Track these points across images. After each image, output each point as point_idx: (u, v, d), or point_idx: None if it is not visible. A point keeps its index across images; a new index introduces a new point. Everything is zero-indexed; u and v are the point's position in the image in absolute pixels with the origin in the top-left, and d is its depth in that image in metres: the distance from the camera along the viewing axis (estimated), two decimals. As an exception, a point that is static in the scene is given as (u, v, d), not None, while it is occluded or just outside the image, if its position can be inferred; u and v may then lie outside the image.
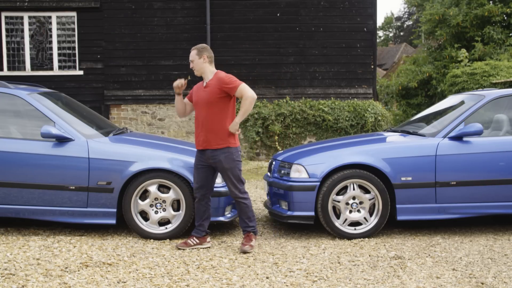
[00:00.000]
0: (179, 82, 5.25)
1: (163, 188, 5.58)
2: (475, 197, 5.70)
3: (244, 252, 5.09)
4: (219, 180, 5.63)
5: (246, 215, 5.23)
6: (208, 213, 5.35)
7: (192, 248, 5.22)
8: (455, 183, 5.64)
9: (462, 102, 6.41)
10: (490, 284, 4.21)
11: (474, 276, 4.40)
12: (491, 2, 19.12)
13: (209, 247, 5.30)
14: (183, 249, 5.18)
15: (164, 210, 5.57)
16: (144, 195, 5.58)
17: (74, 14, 12.95)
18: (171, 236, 5.54)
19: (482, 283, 4.23)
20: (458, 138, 5.74)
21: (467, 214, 5.73)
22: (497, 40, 17.62)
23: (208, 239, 5.38)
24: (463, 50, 15.63)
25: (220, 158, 5.12)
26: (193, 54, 5.22)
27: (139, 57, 12.97)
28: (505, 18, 18.58)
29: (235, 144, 5.18)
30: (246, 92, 5.12)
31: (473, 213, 5.73)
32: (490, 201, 5.72)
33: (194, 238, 5.29)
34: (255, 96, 5.16)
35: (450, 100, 6.97)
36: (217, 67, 13.15)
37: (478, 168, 5.71)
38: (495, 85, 12.56)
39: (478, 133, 5.66)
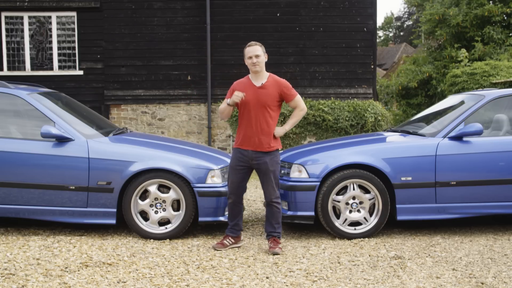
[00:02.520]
0: (241, 96, 4.99)
1: (163, 188, 5.58)
2: (475, 197, 5.70)
3: (276, 254, 5.05)
4: (219, 180, 5.63)
5: (277, 220, 5.21)
6: (242, 212, 5.36)
7: (228, 248, 5.22)
8: (455, 183, 5.64)
9: (462, 102, 6.41)
10: (490, 284, 4.21)
11: (474, 276, 4.40)
12: (491, 2, 19.11)
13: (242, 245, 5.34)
14: (220, 250, 5.17)
15: (164, 210, 5.57)
16: (144, 195, 5.59)
17: (74, 14, 12.94)
18: (171, 236, 5.54)
19: (482, 283, 4.23)
20: (458, 138, 5.74)
21: (467, 214, 5.73)
22: (497, 40, 17.60)
23: (242, 237, 5.41)
24: (463, 50, 15.61)
25: (266, 159, 5.08)
26: (260, 49, 5.08)
27: (139, 57, 12.97)
28: (505, 18, 18.56)
29: (280, 146, 5.21)
30: (302, 104, 5.22)
31: (473, 213, 5.74)
32: (490, 201, 5.72)
33: (230, 238, 5.28)
34: (306, 109, 5.24)
35: (450, 100, 6.97)
36: (217, 67, 13.13)
37: (478, 168, 5.71)
38: (495, 85, 12.55)
39: (478, 133, 5.66)
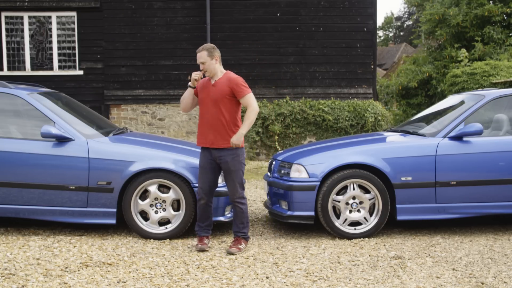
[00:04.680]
0: (199, 75, 5.15)
1: (163, 188, 5.58)
2: (475, 197, 5.70)
3: (230, 254, 5.06)
4: (219, 180, 5.62)
5: (240, 220, 5.21)
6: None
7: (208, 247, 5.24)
8: (455, 183, 5.64)
9: (462, 102, 6.41)
10: (490, 284, 4.21)
11: (474, 276, 4.40)
12: (491, 2, 19.11)
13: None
14: (205, 251, 5.15)
15: (164, 210, 5.57)
16: (144, 195, 5.58)
17: (74, 14, 12.95)
18: (171, 236, 5.54)
19: (482, 283, 4.23)
20: (458, 138, 5.74)
21: (467, 214, 5.73)
22: (497, 40, 17.61)
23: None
24: (463, 50, 15.62)
25: (228, 159, 5.09)
26: (203, 55, 5.10)
27: (139, 57, 12.97)
28: (505, 18, 18.56)
29: (242, 145, 5.15)
30: (253, 103, 5.12)
31: (473, 213, 5.73)
32: (490, 201, 5.72)
33: (207, 238, 5.28)
34: (258, 109, 5.17)
35: (450, 100, 6.97)
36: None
37: (478, 168, 5.71)
38: (495, 85, 12.56)
39: (478, 133, 5.66)
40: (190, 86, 5.24)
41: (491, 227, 6.10)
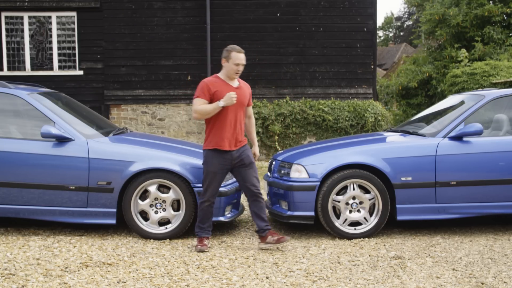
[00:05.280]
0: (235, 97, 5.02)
1: (163, 188, 5.58)
2: (475, 197, 5.70)
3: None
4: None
5: (264, 213, 5.27)
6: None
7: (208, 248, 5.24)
8: (455, 183, 5.64)
9: (462, 102, 6.41)
10: (490, 284, 4.21)
11: (474, 276, 4.40)
12: (491, 2, 19.11)
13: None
14: (205, 252, 5.14)
15: (164, 210, 5.57)
16: (144, 195, 5.58)
17: (74, 14, 12.95)
18: (171, 236, 5.54)
19: (482, 283, 4.23)
20: (458, 138, 5.74)
21: (467, 214, 5.73)
22: (497, 40, 17.61)
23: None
24: (463, 50, 15.62)
25: (248, 152, 5.21)
26: (244, 57, 5.16)
27: (139, 57, 12.97)
28: (505, 18, 18.56)
29: None
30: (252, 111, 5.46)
31: (473, 213, 5.73)
32: (490, 201, 5.72)
33: (207, 239, 5.25)
34: None
35: (450, 100, 6.97)
36: (217, 67, 13.25)
37: (478, 168, 5.71)
38: (495, 85, 12.56)
39: (478, 133, 5.66)
40: (222, 106, 4.99)
41: (491, 227, 6.10)
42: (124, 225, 5.84)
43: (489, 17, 17.97)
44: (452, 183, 5.64)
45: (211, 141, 5.09)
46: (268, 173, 6.33)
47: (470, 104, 6.09)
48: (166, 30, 12.98)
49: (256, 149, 5.46)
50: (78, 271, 4.49)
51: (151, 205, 5.56)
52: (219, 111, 5.03)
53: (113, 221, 5.59)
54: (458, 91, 13.11)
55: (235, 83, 5.18)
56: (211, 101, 5.04)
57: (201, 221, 5.24)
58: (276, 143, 12.54)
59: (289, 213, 5.67)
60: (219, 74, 5.21)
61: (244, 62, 5.09)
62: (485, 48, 17.34)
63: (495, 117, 6.11)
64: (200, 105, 5.02)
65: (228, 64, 5.10)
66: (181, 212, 5.56)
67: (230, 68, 5.09)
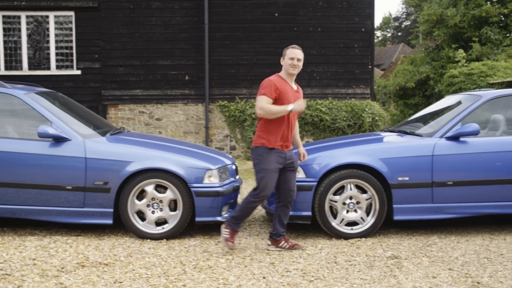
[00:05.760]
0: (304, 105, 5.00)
1: (160, 188, 5.58)
2: (471, 197, 5.70)
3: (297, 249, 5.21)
4: (216, 180, 5.63)
5: (287, 219, 5.27)
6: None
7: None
8: (452, 183, 5.65)
9: (459, 102, 6.41)
10: (486, 284, 4.22)
11: (470, 276, 4.41)
12: (488, 2, 19.13)
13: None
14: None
15: (161, 210, 5.57)
16: (141, 195, 5.58)
17: (72, 13, 12.95)
18: (168, 236, 5.54)
19: (478, 283, 4.24)
20: (455, 138, 5.74)
21: (464, 214, 5.73)
22: (494, 41, 17.64)
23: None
24: (461, 51, 15.64)
25: (295, 157, 5.22)
26: (302, 54, 5.10)
27: (137, 57, 12.97)
28: (503, 18, 18.60)
29: None
30: None
31: (470, 213, 5.74)
32: (486, 201, 5.73)
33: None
34: None
35: (447, 100, 6.98)
36: (215, 67, 13.06)
37: (474, 168, 5.71)
38: (492, 86, 12.57)
39: (475, 133, 5.66)
40: (290, 110, 4.90)
41: (488, 227, 6.11)
42: (121, 225, 5.84)
43: (486, 18, 18.00)
44: (449, 183, 5.64)
45: (269, 140, 4.98)
46: (265, 173, 6.31)
47: (467, 104, 6.10)
48: (164, 30, 12.98)
49: (303, 149, 5.41)
50: (75, 271, 4.49)
51: (148, 205, 5.56)
52: (283, 116, 4.99)
53: (110, 221, 5.58)
54: (455, 92, 13.13)
55: (294, 86, 5.15)
56: (275, 100, 4.95)
57: (240, 217, 5.13)
58: (274, 143, 12.53)
59: (286, 213, 5.66)
60: (280, 74, 5.13)
61: (299, 56, 5.04)
62: (482, 48, 17.37)
63: (492, 117, 6.12)
64: (266, 103, 4.91)
65: (284, 61, 5.07)
66: (178, 212, 5.56)
67: (286, 63, 5.05)
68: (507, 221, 6.33)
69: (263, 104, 4.90)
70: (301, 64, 5.07)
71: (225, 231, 5.13)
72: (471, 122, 5.74)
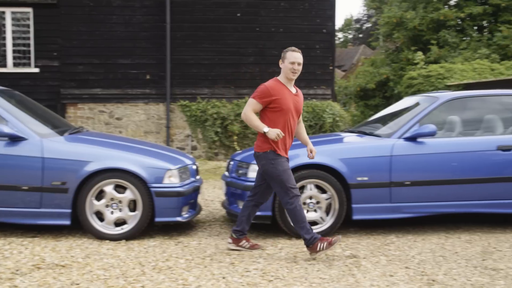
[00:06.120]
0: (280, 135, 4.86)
1: (119, 188, 5.51)
2: (428, 197, 5.81)
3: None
4: (176, 180, 5.59)
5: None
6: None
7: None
8: (409, 183, 5.74)
9: (417, 104, 6.53)
10: (441, 281, 4.31)
11: (426, 274, 4.50)
12: (446, 6, 19.55)
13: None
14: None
15: (120, 210, 5.50)
16: (100, 195, 5.50)
17: (29, 10, 12.67)
18: (127, 236, 5.48)
19: (433, 280, 4.33)
20: (413, 139, 5.84)
21: (421, 213, 5.84)
22: (451, 44, 18.04)
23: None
24: (419, 53, 15.94)
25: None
26: (302, 56, 5.02)
27: (97, 55, 12.79)
28: (459, 22, 19.03)
29: None
30: None
31: (427, 212, 5.85)
32: (443, 200, 5.84)
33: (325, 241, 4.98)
34: None
35: (406, 102, 7.10)
36: (176, 66, 12.99)
37: (431, 168, 5.82)
38: (449, 88, 12.85)
39: (431, 134, 5.77)
40: (265, 132, 4.83)
41: (443, 225, 6.24)
42: (79, 226, 5.74)
43: (444, 21, 18.40)
44: (407, 183, 5.74)
45: (273, 146, 4.89)
46: (226, 173, 6.32)
47: (424, 105, 6.22)
48: (125, 28, 12.83)
49: (312, 146, 5.27)
50: (30, 273, 4.39)
51: (107, 206, 5.49)
52: (282, 118, 4.90)
53: (68, 222, 5.49)
54: (414, 93, 13.37)
55: (293, 89, 5.06)
56: (267, 105, 4.89)
57: (302, 220, 4.88)
58: (235, 143, 12.55)
59: (246, 213, 5.66)
60: (279, 78, 5.02)
61: (300, 60, 4.97)
62: (440, 51, 17.74)
63: (448, 118, 6.25)
64: (253, 109, 4.90)
65: (284, 65, 4.97)
66: (138, 213, 5.50)
67: (286, 67, 4.95)
68: (462, 220, 6.48)
69: (249, 111, 4.91)
70: (301, 68, 4.97)
71: (320, 246, 4.85)
72: (429, 123, 5.85)
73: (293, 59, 4.93)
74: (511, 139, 5.97)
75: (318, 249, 4.85)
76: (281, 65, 5.02)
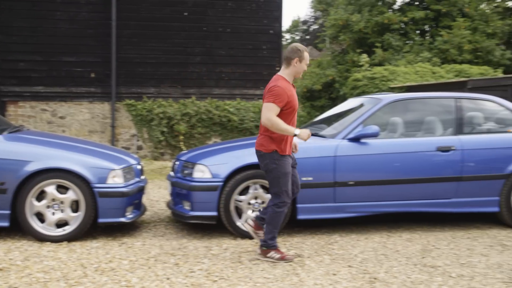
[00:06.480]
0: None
1: (61, 188, 5.38)
2: (371, 197, 5.92)
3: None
4: (120, 180, 5.51)
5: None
6: None
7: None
8: (353, 183, 5.84)
9: (361, 105, 6.65)
10: (382, 279, 4.41)
11: (368, 272, 4.59)
12: (390, 10, 19.99)
13: None
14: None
15: (62, 211, 5.38)
16: (41, 195, 5.36)
17: (-33, 4, 12.22)
18: (69, 238, 5.36)
19: (375, 278, 4.42)
20: (356, 139, 5.94)
21: (364, 212, 5.95)
22: (395, 47, 18.45)
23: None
24: (364, 55, 16.23)
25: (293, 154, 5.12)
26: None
27: (39, 52, 12.44)
28: (403, 26, 19.49)
29: None
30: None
31: (370, 211, 5.96)
32: (385, 200, 5.96)
33: (280, 253, 4.99)
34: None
35: (350, 103, 7.22)
36: (122, 65, 12.81)
37: (374, 168, 5.94)
38: (392, 90, 13.14)
39: (374, 135, 5.88)
40: (296, 135, 4.77)
41: (386, 225, 6.38)
42: (18, 228, 5.57)
43: (388, 25, 18.79)
44: (350, 183, 5.83)
45: (279, 146, 4.81)
46: (172, 173, 6.27)
47: (368, 107, 6.33)
48: (69, 25, 12.53)
49: (296, 141, 5.22)
50: (-34, 276, 4.24)
51: (48, 206, 5.35)
52: (290, 117, 4.82)
53: (6, 224, 5.31)
54: (358, 95, 13.61)
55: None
56: (283, 107, 4.76)
57: (275, 227, 4.90)
58: (181, 143, 12.47)
59: (191, 213, 5.65)
60: (285, 76, 4.88)
61: (308, 61, 4.92)
62: (384, 54, 18.11)
63: (391, 120, 6.39)
64: (276, 112, 4.71)
65: (301, 65, 4.87)
66: (81, 213, 5.39)
67: (302, 68, 4.88)
68: (403, 219, 6.64)
69: (273, 116, 4.70)
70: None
71: (272, 255, 4.88)
72: (372, 124, 5.97)
73: (308, 60, 4.93)
74: (449, 140, 6.15)
75: (268, 255, 4.88)
76: (295, 63, 4.85)
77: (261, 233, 5.05)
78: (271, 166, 4.82)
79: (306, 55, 4.89)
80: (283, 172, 4.82)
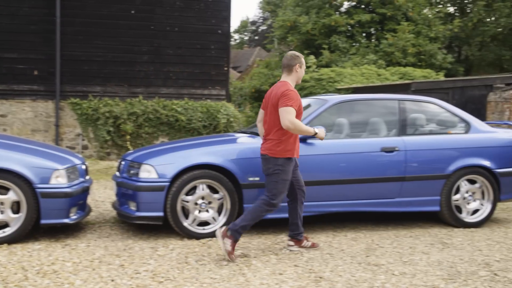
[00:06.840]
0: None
1: (1, 189, 5.21)
2: (318, 196, 5.97)
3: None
4: (64, 181, 5.39)
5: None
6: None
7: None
8: (299, 183, 5.88)
9: (308, 106, 6.70)
10: (327, 278, 4.47)
11: (314, 271, 4.65)
12: (337, 13, 20.31)
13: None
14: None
15: (2, 212, 5.21)
16: (-21, 197, 5.18)
17: None
18: (9, 240, 5.20)
19: (321, 277, 4.48)
20: (303, 140, 5.99)
21: (311, 212, 6.00)
22: (342, 49, 18.77)
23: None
24: (312, 57, 16.46)
25: None
26: None
27: (-21, 48, 12.03)
28: (350, 28, 19.85)
29: None
30: None
31: (316, 211, 6.03)
32: (331, 200, 6.04)
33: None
34: None
35: (297, 104, 7.27)
36: (67, 63, 12.58)
37: (320, 169, 6.00)
38: (339, 91, 13.36)
39: (320, 136, 5.95)
40: (315, 134, 5.05)
41: (331, 224, 6.47)
42: (-45, 230, 5.38)
43: (335, 27, 19.10)
44: (297, 183, 5.87)
45: (289, 150, 4.93)
46: (117, 173, 6.17)
47: (314, 108, 6.40)
48: (10, 20, 12.16)
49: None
50: None
51: (-14, 208, 5.18)
52: (300, 120, 4.98)
53: None
54: (306, 95, 13.77)
55: None
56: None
57: (252, 220, 5.01)
58: (128, 143, 12.31)
59: (137, 214, 5.57)
60: (289, 82, 5.06)
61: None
62: (331, 55, 18.41)
63: (337, 120, 6.48)
64: (294, 115, 4.83)
65: (301, 70, 5.10)
66: (22, 215, 5.24)
67: (301, 73, 5.11)
68: (348, 218, 6.75)
69: (293, 118, 4.82)
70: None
71: (227, 242, 4.87)
72: (318, 125, 6.02)
73: (305, 65, 5.19)
74: (393, 141, 6.29)
75: (224, 242, 4.86)
76: (297, 69, 5.08)
77: (305, 242, 5.32)
78: (274, 171, 4.96)
79: (303, 61, 5.16)
80: (283, 179, 4.98)
